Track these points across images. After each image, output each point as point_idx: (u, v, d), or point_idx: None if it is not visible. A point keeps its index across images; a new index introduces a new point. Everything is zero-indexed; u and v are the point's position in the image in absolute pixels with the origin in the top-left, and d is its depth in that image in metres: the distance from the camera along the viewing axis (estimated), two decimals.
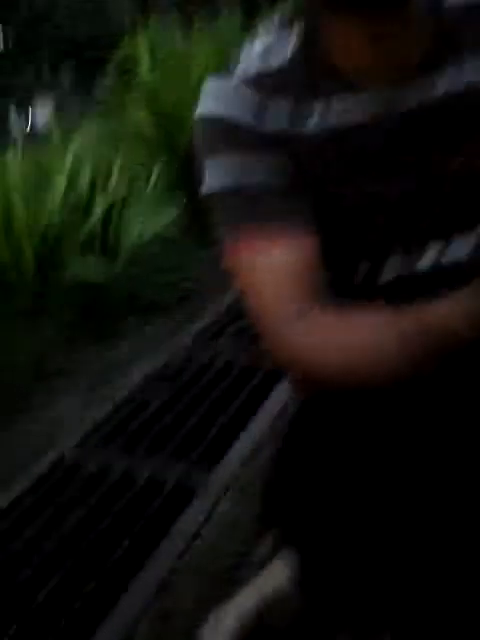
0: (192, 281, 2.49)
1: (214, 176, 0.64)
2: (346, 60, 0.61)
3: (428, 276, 0.67)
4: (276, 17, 0.67)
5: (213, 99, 0.65)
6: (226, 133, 0.63)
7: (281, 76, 0.63)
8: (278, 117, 0.62)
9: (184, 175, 2.74)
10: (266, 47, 0.65)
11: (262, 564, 1.13)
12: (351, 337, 0.61)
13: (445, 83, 0.62)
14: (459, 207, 0.65)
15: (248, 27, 4.70)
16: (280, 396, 1.65)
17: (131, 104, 3.56)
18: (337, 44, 0.60)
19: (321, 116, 0.62)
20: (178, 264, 2.49)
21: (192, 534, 1.28)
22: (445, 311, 0.58)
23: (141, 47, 4.52)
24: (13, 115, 4.67)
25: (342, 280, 0.67)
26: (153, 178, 2.72)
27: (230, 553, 1.23)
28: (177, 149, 2.98)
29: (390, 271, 0.67)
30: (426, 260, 0.66)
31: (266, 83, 0.62)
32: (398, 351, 0.59)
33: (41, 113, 5.52)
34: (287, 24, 0.64)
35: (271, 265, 0.62)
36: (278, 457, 0.76)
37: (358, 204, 0.65)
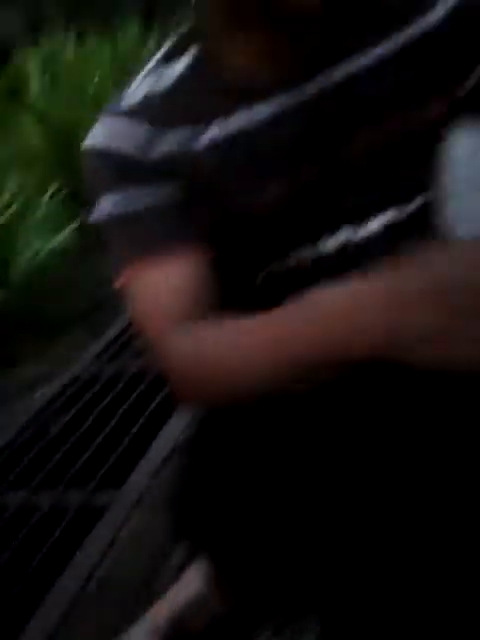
0: (94, 297, 2.43)
1: (102, 206, 0.64)
2: (242, 73, 0.62)
3: (342, 260, 0.64)
4: (162, 49, 0.68)
5: (100, 131, 0.65)
6: (112, 165, 0.64)
7: (169, 98, 0.64)
8: (167, 141, 0.63)
9: (82, 192, 2.68)
10: (151, 73, 0.66)
11: (176, 575, 1.13)
12: (222, 347, 0.58)
13: (347, 66, 0.63)
14: (376, 186, 0.64)
15: (146, 39, 4.75)
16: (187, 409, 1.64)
17: (23, 124, 3.46)
18: (232, 60, 0.62)
19: (217, 129, 0.62)
20: (79, 281, 2.43)
21: (101, 552, 1.25)
22: (340, 304, 0.49)
23: (31, 65, 4.45)
24: None
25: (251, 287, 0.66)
26: (47, 196, 2.66)
27: (142, 567, 1.21)
28: (73, 166, 2.93)
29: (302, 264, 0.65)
30: (334, 243, 0.64)
31: (153, 108, 0.63)
32: (273, 359, 0.54)
33: None
34: (172, 51, 0.66)
35: (160, 287, 0.62)
36: (185, 468, 0.76)
37: (264, 207, 0.64)
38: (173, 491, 0.78)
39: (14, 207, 2.33)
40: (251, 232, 0.65)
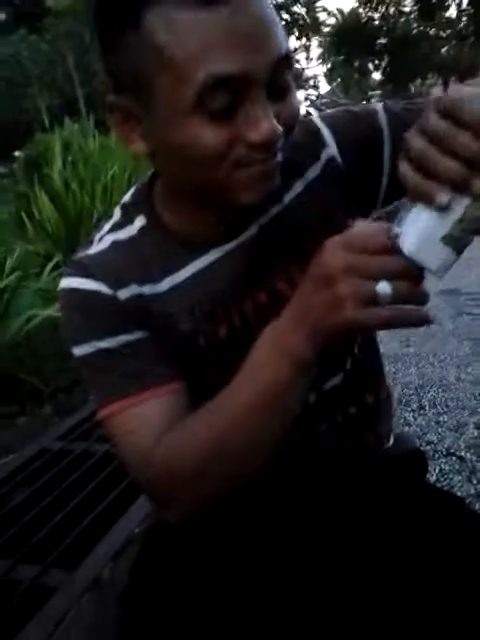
0: (72, 374, 2.46)
1: (76, 343, 0.69)
2: (184, 234, 0.70)
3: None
4: (120, 203, 0.75)
5: (74, 272, 0.70)
6: (85, 304, 0.68)
7: (133, 246, 0.70)
8: (132, 283, 0.69)
9: None
10: (115, 224, 0.73)
11: None
12: (187, 454, 0.63)
13: (269, 212, 0.72)
14: None
15: None
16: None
17: (39, 198, 3.63)
18: (181, 222, 0.70)
19: (171, 278, 0.70)
20: (63, 355, 2.46)
21: (48, 634, 1.21)
22: (265, 364, 0.58)
23: (55, 147, 4.72)
24: None
25: None
26: (49, 266, 2.76)
27: None
28: (78, 244, 3.05)
29: None
30: None
31: (120, 253, 0.70)
32: (243, 429, 0.60)
33: None
34: (130, 208, 0.73)
35: (137, 421, 0.67)
36: (136, 565, 0.76)
37: (211, 346, 0.72)
38: (125, 585, 0.75)
39: (18, 273, 2.41)
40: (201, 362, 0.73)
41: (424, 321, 0.51)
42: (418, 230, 0.49)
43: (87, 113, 6.99)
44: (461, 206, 0.47)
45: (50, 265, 2.93)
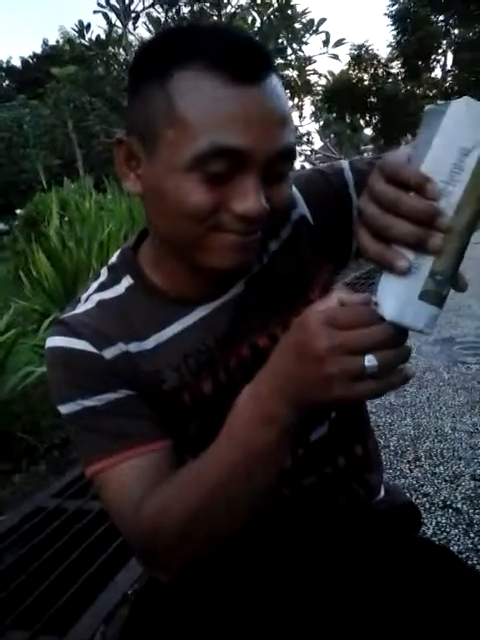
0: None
1: (62, 402, 0.69)
2: (170, 293, 0.72)
3: None
4: (108, 265, 0.76)
5: (59, 331, 0.70)
6: (71, 363, 0.68)
7: (119, 305, 0.71)
8: (118, 342, 0.69)
9: None
10: (102, 284, 0.74)
11: None
12: (173, 515, 0.62)
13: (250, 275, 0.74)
14: None
15: None
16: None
17: (36, 256, 3.70)
18: (167, 281, 0.72)
19: (159, 332, 0.71)
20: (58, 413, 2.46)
21: None
22: (245, 418, 0.57)
23: (52, 206, 4.84)
24: None
25: None
26: (46, 323, 2.78)
27: None
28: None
29: None
30: None
31: (106, 313, 0.71)
32: (229, 481, 0.60)
33: None
34: (117, 269, 0.74)
35: (122, 478, 0.67)
36: (127, 624, 0.75)
37: (196, 401, 0.73)
38: None
39: (15, 329, 2.43)
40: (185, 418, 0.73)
41: (406, 380, 0.51)
42: (394, 294, 0.48)
43: (85, 173, 7.19)
44: (427, 261, 0.47)
45: (47, 322, 2.96)
